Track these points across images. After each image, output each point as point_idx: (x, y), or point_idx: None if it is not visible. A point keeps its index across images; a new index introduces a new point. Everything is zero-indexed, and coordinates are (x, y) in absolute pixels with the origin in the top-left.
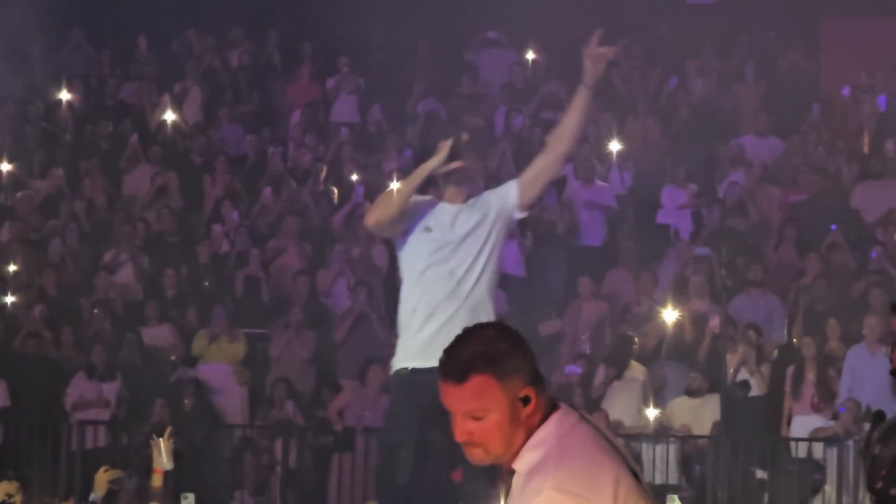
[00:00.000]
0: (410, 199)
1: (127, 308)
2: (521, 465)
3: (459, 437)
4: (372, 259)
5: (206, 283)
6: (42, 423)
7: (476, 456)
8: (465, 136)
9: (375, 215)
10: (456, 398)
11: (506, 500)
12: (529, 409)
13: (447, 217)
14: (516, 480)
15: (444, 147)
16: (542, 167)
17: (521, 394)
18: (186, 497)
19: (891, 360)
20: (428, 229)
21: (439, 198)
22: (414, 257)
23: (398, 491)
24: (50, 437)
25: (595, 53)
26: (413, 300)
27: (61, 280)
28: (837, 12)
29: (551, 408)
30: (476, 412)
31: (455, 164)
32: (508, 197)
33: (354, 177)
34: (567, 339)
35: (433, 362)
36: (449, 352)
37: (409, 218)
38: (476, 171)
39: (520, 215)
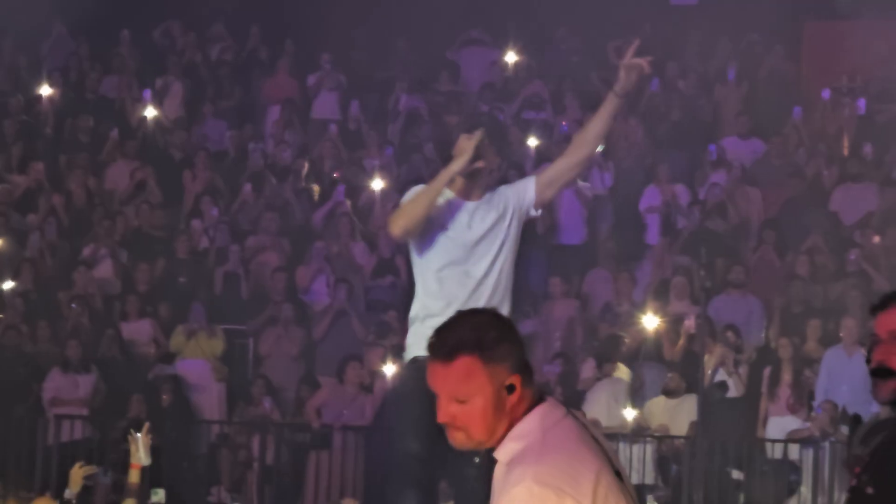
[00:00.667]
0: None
1: (105, 303)
2: (503, 454)
3: (442, 417)
4: (352, 257)
5: (182, 279)
6: (19, 416)
7: (458, 440)
8: (480, 133)
9: (402, 224)
10: (442, 378)
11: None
12: (514, 397)
13: (465, 215)
14: (498, 470)
15: (468, 147)
16: (564, 168)
17: (507, 381)
18: (157, 492)
19: (869, 361)
20: (444, 228)
21: (455, 193)
22: (430, 257)
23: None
24: (26, 431)
25: (630, 64)
26: (430, 300)
27: (39, 274)
28: (819, 15)
29: (538, 400)
30: (460, 395)
31: (478, 164)
32: (526, 193)
33: (336, 174)
34: (541, 339)
35: None
36: (439, 332)
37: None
38: (494, 164)
39: (535, 213)
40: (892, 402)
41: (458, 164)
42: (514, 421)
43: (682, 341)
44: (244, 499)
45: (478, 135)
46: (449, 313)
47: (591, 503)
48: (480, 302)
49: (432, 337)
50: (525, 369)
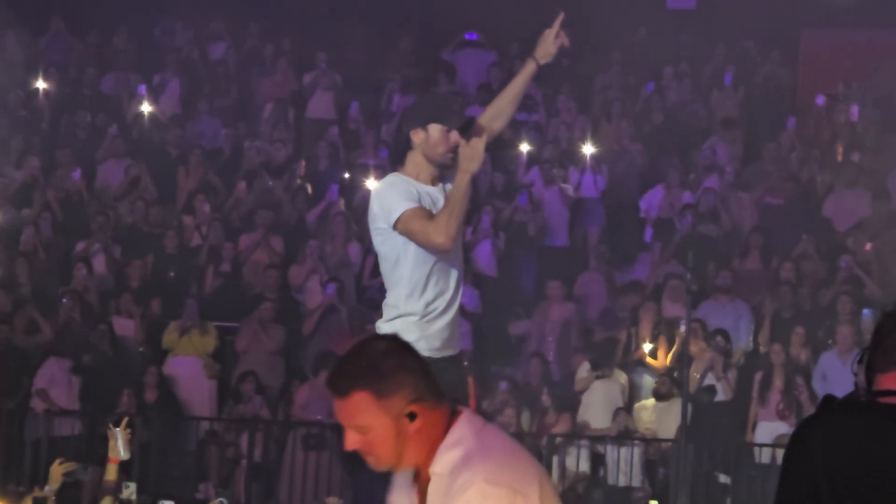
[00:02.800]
0: (413, 186)
1: (99, 298)
2: (440, 466)
3: (348, 446)
4: (347, 255)
5: (172, 275)
6: (8, 410)
7: (372, 463)
8: (482, 137)
9: (452, 234)
10: (339, 411)
11: None
12: (417, 424)
13: (440, 204)
14: (437, 483)
15: (480, 147)
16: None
17: (406, 411)
18: (128, 486)
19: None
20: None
21: (426, 182)
22: (425, 254)
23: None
24: (16, 425)
25: (554, 35)
26: (429, 294)
27: (33, 269)
28: (815, 22)
29: (453, 413)
30: (358, 427)
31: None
32: None
33: (331, 173)
34: (534, 340)
35: (451, 351)
36: (338, 363)
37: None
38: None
39: None
40: None
41: (475, 167)
42: (435, 439)
43: (675, 347)
44: (232, 495)
45: (482, 139)
46: (446, 308)
47: (539, 501)
48: (459, 290)
49: (332, 367)
50: (428, 393)
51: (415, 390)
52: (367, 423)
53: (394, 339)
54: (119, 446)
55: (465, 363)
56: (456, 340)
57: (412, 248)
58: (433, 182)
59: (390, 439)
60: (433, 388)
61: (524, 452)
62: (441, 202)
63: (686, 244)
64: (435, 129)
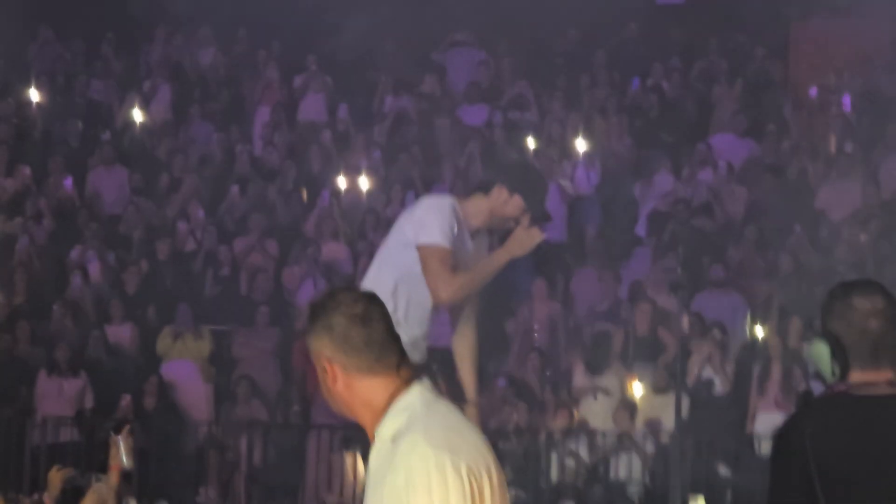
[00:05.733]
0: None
1: (94, 305)
2: (385, 431)
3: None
4: (339, 260)
5: (166, 282)
6: (7, 418)
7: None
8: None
9: (460, 296)
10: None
11: (367, 471)
12: (338, 384)
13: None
14: (381, 446)
15: (530, 240)
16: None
17: (322, 364)
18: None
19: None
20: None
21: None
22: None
23: None
24: (15, 433)
25: (527, 232)
26: (425, 303)
27: (30, 278)
28: (806, 14)
29: (407, 383)
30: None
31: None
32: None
33: (324, 175)
34: (517, 338)
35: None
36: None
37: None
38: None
39: None
40: None
41: (520, 253)
42: (378, 405)
43: (674, 340)
44: (232, 499)
45: (540, 236)
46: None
47: (487, 475)
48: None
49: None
50: (348, 358)
51: (331, 350)
52: (313, 360)
53: (355, 302)
54: (121, 454)
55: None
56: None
57: (417, 274)
58: (473, 236)
59: (324, 384)
60: (366, 357)
61: (474, 430)
62: (468, 248)
63: (678, 238)
64: (517, 198)
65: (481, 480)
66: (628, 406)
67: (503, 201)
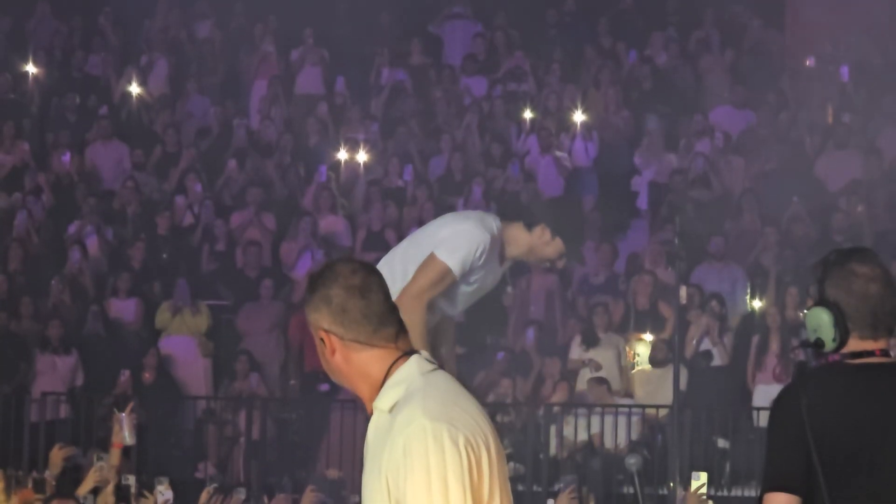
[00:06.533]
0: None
1: (92, 280)
2: (384, 403)
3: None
4: (337, 231)
5: (165, 255)
6: (5, 394)
7: None
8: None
9: (411, 312)
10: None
11: (366, 442)
12: (337, 356)
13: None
14: (378, 418)
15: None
16: None
17: (320, 335)
18: (128, 478)
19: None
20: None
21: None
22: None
23: None
24: (13, 409)
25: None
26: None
27: (27, 253)
28: None
29: (405, 355)
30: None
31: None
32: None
33: (321, 149)
34: (514, 310)
35: None
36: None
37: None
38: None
39: None
40: None
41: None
42: (374, 376)
43: (673, 312)
44: (231, 473)
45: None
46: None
47: (485, 446)
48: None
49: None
50: (347, 329)
51: (328, 322)
52: (312, 331)
53: (353, 273)
54: (124, 431)
55: None
56: None
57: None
58: (503, 262)
59: (322, 356)
60: (364, 328)
61: (472, 401)
62: (490, 281)
63: (676, 210)
64: (559, 241)
65: (479, 452)
66: (626, 379)
67: (545, 242)
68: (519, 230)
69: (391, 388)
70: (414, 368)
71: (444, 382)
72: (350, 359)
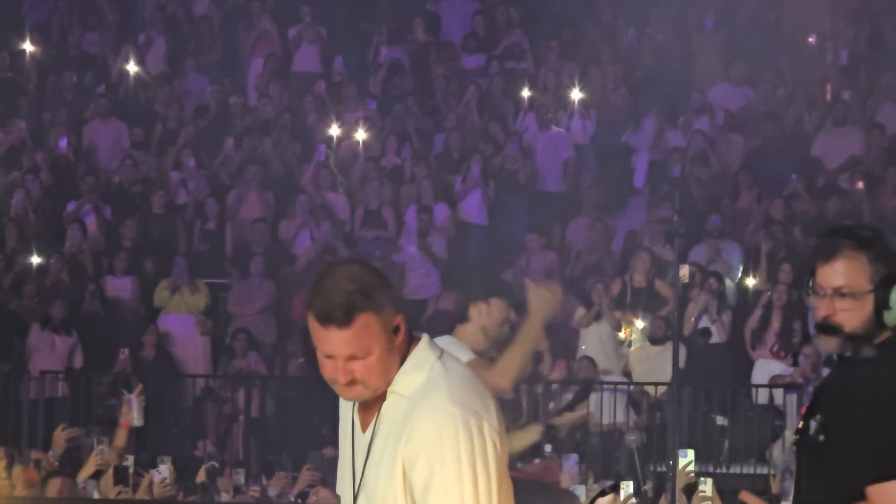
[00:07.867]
0: None
1: (91, 259)
2: (403, 387)
3: (343, 378)
4: (335, 209)
5: (160, 234)
6: (4, 372)
7: (354, 393)
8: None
9: (517, 378)
10: (341, 342)
11: (376, 425)
12: (399, 336)
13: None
14: (396, 402)
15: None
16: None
17: (394, 323)
18: (127, 458)
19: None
20: None
21: None
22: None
23: None
24: (12, 387)
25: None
26: None
27: (24, 232)
28: None
29: (412, 338)
30: (360, 352)
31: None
32: None
33: (319, 127)
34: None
35: None
36: (323, 295)
37: None
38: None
39: None
40: (837, 356)
41: (545, 317)
42: (402, 356)
43: (673, 290)
44: (230, 452)
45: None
46: None
47: (502, 431)
48: None
49: (317, 301)
50: (400, 305)
51: (395, 301)
52: (370, 344)
53: (361, 260)
54: (133, 413)
55: None
56: None
57: None
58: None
59: (384, 357)
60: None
61: (485, 388)
62: None
63: (674, 187)
64: (494, 301)
65: (501, 438)
66: (625, 356)
67: (485, 314)
68: (462, 329)
69: (409, 372)
70: (429, 352)
71: (462, 369)
72: (400, 338)
